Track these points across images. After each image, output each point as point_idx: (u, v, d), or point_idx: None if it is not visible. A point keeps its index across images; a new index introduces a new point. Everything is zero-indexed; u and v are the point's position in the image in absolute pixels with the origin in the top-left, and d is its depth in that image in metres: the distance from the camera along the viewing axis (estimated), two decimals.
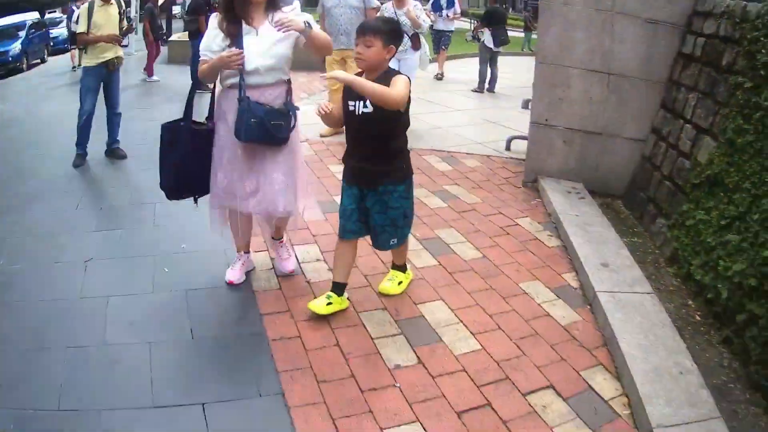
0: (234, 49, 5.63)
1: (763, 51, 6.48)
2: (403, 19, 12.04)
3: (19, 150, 12.54)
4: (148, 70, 21.18)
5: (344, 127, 5.82)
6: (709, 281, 6.00)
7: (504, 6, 42.27)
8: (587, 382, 5.06)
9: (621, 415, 4.72)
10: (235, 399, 4.78)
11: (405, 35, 11.41)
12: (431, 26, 17.69)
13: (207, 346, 5.52)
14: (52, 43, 41.33)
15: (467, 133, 12.98)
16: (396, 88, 5.32)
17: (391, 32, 5.48)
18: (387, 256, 6.66)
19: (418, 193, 8.40)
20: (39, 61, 37.17)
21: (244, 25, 5.83)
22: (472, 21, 35.42)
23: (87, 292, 6.42)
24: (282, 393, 4.82)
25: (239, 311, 6.14)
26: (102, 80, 11.24)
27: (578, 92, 9.34)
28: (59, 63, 32.15)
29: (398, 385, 4.94)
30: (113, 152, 11.47)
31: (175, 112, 14.15)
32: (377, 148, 5.66)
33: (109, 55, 11.08)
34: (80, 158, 10.96)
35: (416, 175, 7.96)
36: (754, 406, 4.79)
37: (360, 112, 5.50)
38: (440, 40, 22.40)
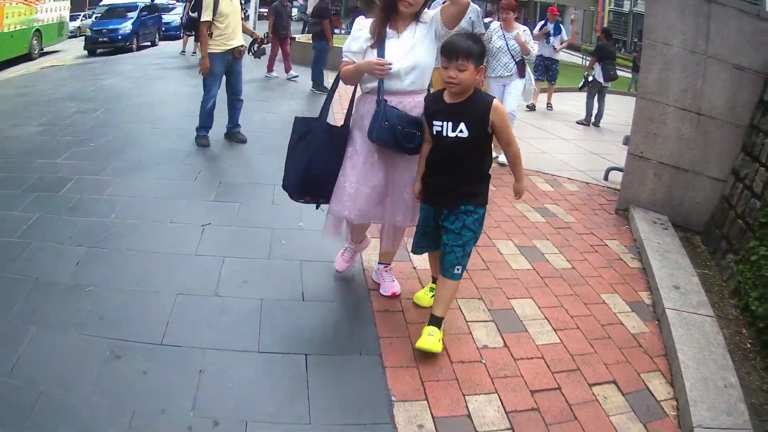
0: (384, 60, 5.69)
1: None
2: (512, 43, 11.95)
3: (133, 122, 13.94)
4: (269, 66, 21.89)
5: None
6: (763, 312, 6.64)
7: (616, 44, 41.90)
8: (645, 383, 5.81)
9: (669, 415, 5.42)
10: (337, 354, 5.65)
11: (512, 60, 12.01)
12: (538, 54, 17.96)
13: (315, 309, 6.35)
14: (163, 28, 42.52)
15: (570, 161, 13.62)
16: (508, 137, 5.53)
17: (481, 53, 5.38)
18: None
19: (520, 207, 9.74)
20: (149, 44, 38.39)
21: (389, 30, 5.90)
22: (584, 58, 35.11)
23: (202, 250, 7.41)
24: (380, 354, 5.71)
25: (348, 284, 6.88)
26: (226, 67, 12.00)
27: (671, 129, 9.92)
28: (170, 48, 33.43)
29: (484, 361, 5.79)
30: (233, 136, 12.48)
31: (294, 108, 15.16)
32: (466, 172, 5.59)
33: (234, 43, 11.94)
34: (205, 139, 12.04)
35: (526, 195, 9.32)
36: None
37: (450, 135, 5.41)
38: (546, 70, 21.29)
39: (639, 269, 8.25)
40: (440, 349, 5.68)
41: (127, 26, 36.02)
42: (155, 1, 48.42)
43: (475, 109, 5.37)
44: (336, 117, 6.14)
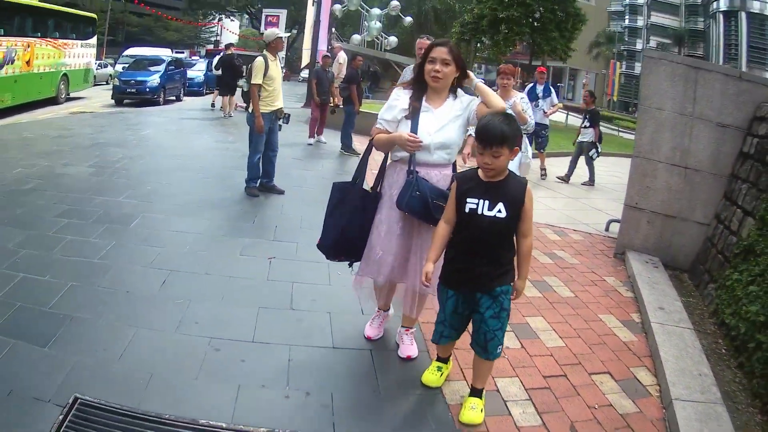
0: (417, 137, 5.85)
1: None
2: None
3: (181, 170, 15.53)
4: (311, 132, 22.28)
5: (444, 227, 5.66)
6: (734, 322, 8.06)
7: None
8: (633, 374, 7.27)
9: (652, 395, 6.86)
10: (394, 349, 7.02)
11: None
12: None
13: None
14: (187, 84, 42.79)
15: (576, 215, 15.03)
16: (529, 226, 5.50)
17: (515, 135, 5.32)
18: None
19: (535, 254, 10.95)
20: (174, 98, 38.85)
21: (424, 103, 6.13)
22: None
23: (273, 277, 8.81)
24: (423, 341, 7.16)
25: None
26: (270, 124, 13.37)
27: (662, 182, 11.40)
28: (195, 103, 34.76)
29: (506, 357, 7.25)
30: (270, 188, 13.78)
31: (326, 167, 16.64)
32: (499, 252, 5.55)
33: (279, 104, 13.38)
34: (254, 189, 13.43)
35: (536, 242, 10.85)
36: (751, 407, 6.73)
37: (486, 214, 5.35)
38: (535, 136, 18.82)
39: (631, 298, 9.68)
40: (482, 420, 5.83)
41: (155, 79, 36.38)
42: (178, 56, 49.71)
43: (513, 189, 5.39)
44: (367, 179, 7.02)
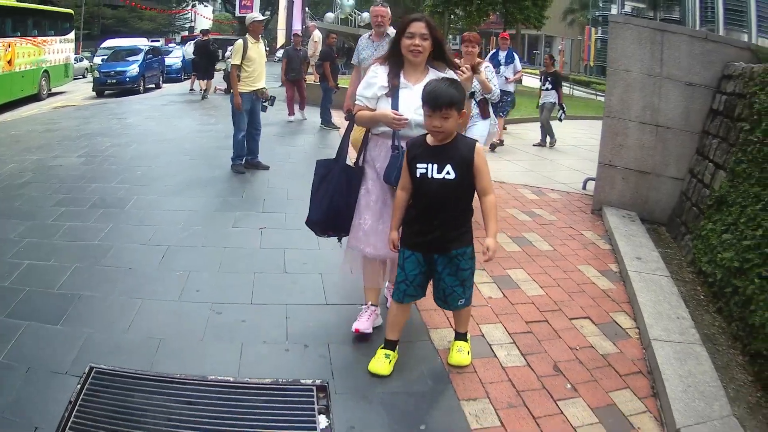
0: (403, 115, 5.86)
1: (757, 101, 8.86)
2: (473, 82, 10.09)
3: (168, 154, 15.99)
4: (289, 111, 22.82)
5: (398, 191, 5.78)
6: (710, 269, 8.33)
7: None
8: (613, 318, 7.55)
9: (631, 336, 7.14)
10: (384, 304, 7.22)
11: (473, 100, 10.59)
12: None
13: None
14: (165, 71, 43.48)
15: (553, 176, 15.36)
16: (487, 183, 5.55)
17: (462, 98, 5.46)
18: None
19: (511, 212, 11.35)
20: (154, 86, 39.49)
21: (402, 79, 6.13)
22: (572, 87, 34.98)
23: (265, 245, 9.20)
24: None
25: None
26: (252, 104, 13.80)
27: (634, 140, 11.71)
28: (175, 89, 35.21)
29: (489, 305, 7.55)
30: (255, 165, 14.16)
31: (309, 141, 17.16)
32: (453, 216, 5.62)
33: (259, 85, 13.82)
34: (240, 166, 13.80)
35: (511, 202, 11.51)
36: (732, 349, 6.97)
37: (436, 177, 5.44)
38: (497, 104, 16.68)
39: (609, 250, 9.94)
40: (469, 362, 6.12)
41: (134, 68, 37.13)
42: (155, 45, 49.99)
43: (460, 151, 5.47)
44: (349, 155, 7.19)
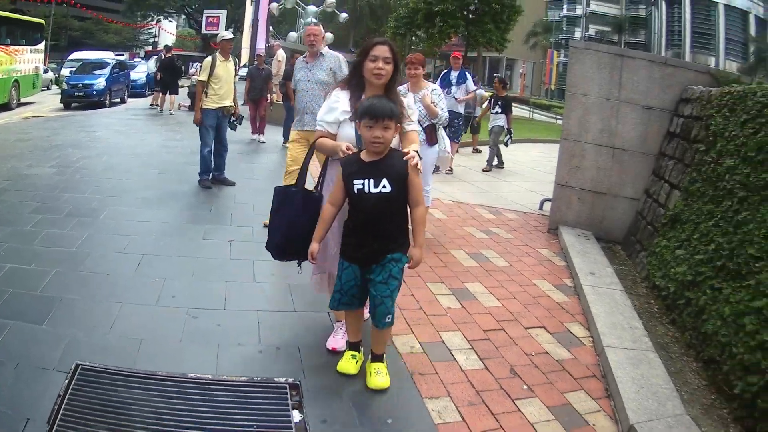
0: (353, 149, 5.81)
1: (713, 123, 9.22)
2: (419, 106, 9.70)
3: (139, 167, 16.10)
4: (252, 129, 22.99)
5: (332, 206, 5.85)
6: (664, 283, 8.62)
7: None
8: (567, 328, 7.81)
9: (585, 344, 7.41)
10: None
11: (419, 127, 9.50)
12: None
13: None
14: (130, 86, 43.32)
15: (510, 197, 15.65)
16: (418, 195, 5.72)
17: (400, 111, 5.72)
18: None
19: (468, 230, 11.60)
20: (119, 100, 39.25)
21: None
22: (531, 111, 34.93)
23: (235, 256, 9.45)
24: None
25: None
26: (218, 121, 13.99)
27: (590, 161, 12.03)
28: (140, 104, 35.23)
29: (448, 314, 7.77)
30: (222, 180, 14.28)
31: (272, 159, 17.46)
32: (390, 227, 5.74)
33: (226, 103, 13.98)
34: (207, 181, 13.89)
35: (469, 221, 11.85)
36: (686, 356, 7.27)
37: (372, 192, 5.53)
38: (450, 127, 16.28)
39: (564, 266, 10.24)
40: (388, 384, 6.04)
41: (101, 82, 37.17)
42: (121, 59, 50.06)
43: (395, 164, 5.56)
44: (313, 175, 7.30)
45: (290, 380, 5.95)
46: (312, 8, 51.68)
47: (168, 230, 10.49)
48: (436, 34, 54.75)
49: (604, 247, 11.33)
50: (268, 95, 22.85)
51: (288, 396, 5.68)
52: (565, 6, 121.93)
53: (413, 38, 62.46)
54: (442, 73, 19.10)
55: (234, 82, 14.57)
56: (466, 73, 18.84)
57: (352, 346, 6.33)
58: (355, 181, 5.54)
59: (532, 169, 20.56)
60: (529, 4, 79.57)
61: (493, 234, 11.75)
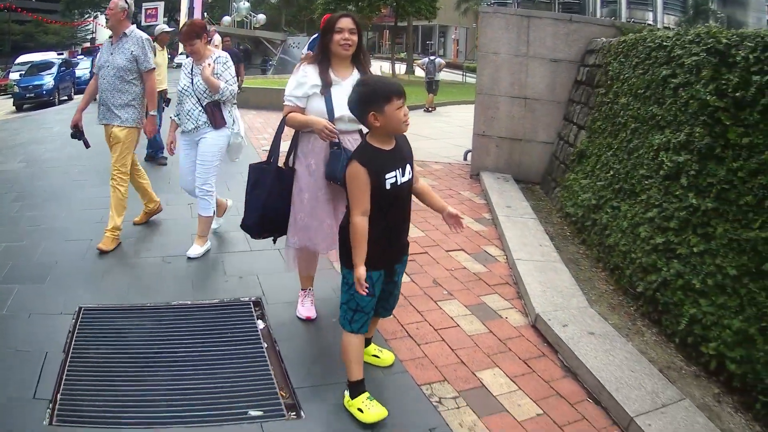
0: (335, 130, 5.82)
1: (611, 68, 10.21)
2: (198, 80, 8.54)
3: (99, 153, 16.25)
4: None
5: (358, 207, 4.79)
6: (573, 210, 9.65)
7: None
8: (484, 249, 8.85)
9: (499, 261, 8.44)
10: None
11: (198, 106, 8.57)
12: None
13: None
14: (76, 82, 43.53)
15: (437, 151, 16.68)
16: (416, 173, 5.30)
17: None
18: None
19: None
20: (67, 98, 39.59)
21: (332, 76, 6.11)
22: (465, 75, 34.83)
23: (195, 215, 9.67)
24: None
25: None
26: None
27: (504, 112, 13.06)
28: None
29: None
30: (156, 159, 15.11)
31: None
32: (409, 214, 5.32)
33: (162, 87, 14.98)
34: (163, 159, 14.77)
35: None
36: (594, 268, 8.26)
37: (404, 182, 4.95)
38: None
39: (484, 204, 11.19)
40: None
41: (50, 81, 38.06)
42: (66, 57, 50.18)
43: (404, 146, 5.10)
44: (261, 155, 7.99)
45: (253, 298, 7.04)
46: None
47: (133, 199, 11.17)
48: (366, 7, 54.68)
49: (523, 187, 12.28)
50: None
51: (252, 310, 6.76)
52: None
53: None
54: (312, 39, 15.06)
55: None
56: None
57: (361, 385, 5.26)
58: (387, 176, 4.83)
59: (461, 127, 21.06)
60: None
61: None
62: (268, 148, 6.66)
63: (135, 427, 4.79)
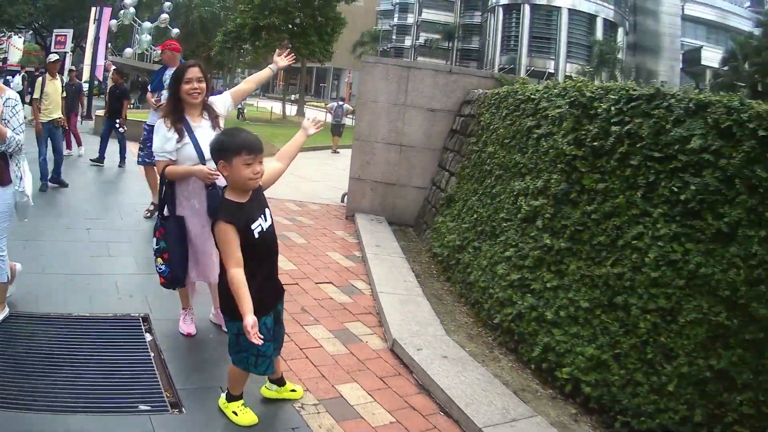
0: (214, 170, 5.88)
1: (482, 119, 10.78)
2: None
3: None
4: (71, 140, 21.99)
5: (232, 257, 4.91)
6: (440, 250, 10.15)
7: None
8: (351, 283, 9.23)
9: (365, 293, 8.83)
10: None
11: None
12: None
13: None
14: None
15: (318, 192, 17.07)
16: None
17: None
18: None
19: (276, 218, 12.33)
20: None
21: (190, 122, 6.45)
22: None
23: (93, 239, 10.47)
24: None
25: None
26: (50, 132, 15.00)
27: (381, 158, 13.54)
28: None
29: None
30: (59, 182, 15.02)
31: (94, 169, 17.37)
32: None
33: (55, 116, 15.07)
34: (45, 185, 14.46)
35: (279, 211, 12.79)
36: (457, 302, 8.81)
37: (268, 227, 5.22)
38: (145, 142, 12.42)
39: (356, 242, 11.60)
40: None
41: None
42: None
43: (260, 192, 5.30)
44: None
45: (142, 314, 7.49)
46: (147, 24, 52.07)
47: (36, 224, 10.87)
48: (262, 47, 56.09)
49: (396, 229, 12.76)
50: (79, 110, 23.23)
51: (141, 324, 7.21)
52: (396, 15, 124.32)
53: (240, 51, 64.58)
54: (156, 72, 13.28)
55: (62, 97, 15.81)
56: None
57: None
58: (253, 226, 5.06)
59: (342, 170, 20.73)
60: (360, 15, 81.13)
61: (297, 221, 12.91)
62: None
63: (44, 412, 5.29)
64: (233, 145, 4.94)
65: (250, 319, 4.72)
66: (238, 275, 4.84)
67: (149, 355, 6.51)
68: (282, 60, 7.45)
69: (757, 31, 74.70)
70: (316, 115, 6.72)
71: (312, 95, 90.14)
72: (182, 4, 74.54)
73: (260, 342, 4.74)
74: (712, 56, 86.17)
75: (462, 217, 10.09)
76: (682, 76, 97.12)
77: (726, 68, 70.48)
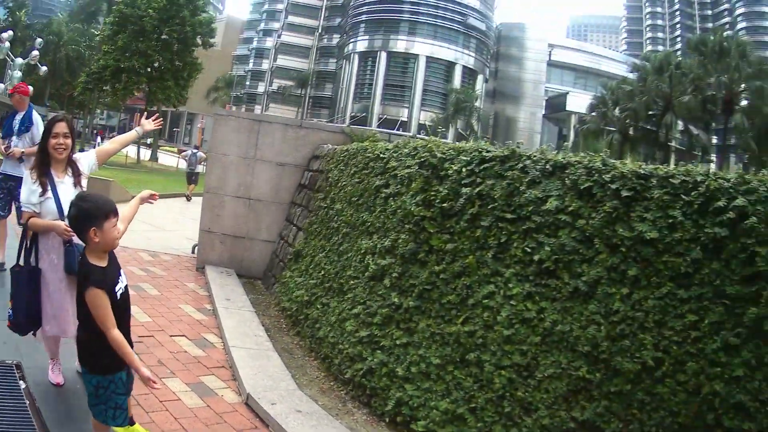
0: (69, 229, 5.86)
1: (330, 175, 11.16)
2: None
3: None
4: None
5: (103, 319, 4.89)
6: (289, 305, 10.44)
7: None
8: (203, 336, 9.44)
9: (217, 347, 9.07)
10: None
11: None
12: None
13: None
14: None
15: (169, 243, 17.04)
16: None
17: None
18: None
19: (130, 269, 12.56)
20: None
21: (55, 177, 6.54)
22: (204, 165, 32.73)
23: None
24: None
25: None
26: None
27: (230, 211, 13.80)
28: None
29: None
30: None
31: None
32: None
33: None
34: None
35: (133, 261, 12.94)
36: (307, 357, 9.10)
37: (124, 288, 5.25)
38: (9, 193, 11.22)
39: (206, 295, 11.79)
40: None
41: None
42: None
43: (113, 253, 5.30)
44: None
45: (15, 361, 7.33)
46: (20, 60, 51.16)
47: None
48: (122, 89, 56.81)
49: (245, 282, 13.00)
50: None
51: (15, 371, 7.07)
52: (251, 60, 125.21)
53: (101, 92, 63.76)
54: (5, 118, 12.37)
55: None
56: (34, 113, 11.42)
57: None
58: (116, 289, 5.10)
59: (194, 220, 20.93)
60: (218, 60, 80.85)
61: (150, 272, 12.89)
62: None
63: None
64: (102, 212, 5.00)
65: (146, 372, 4.86)
66: (118, 336, 4.91)
67: (25, 403, 6.48)
68: (149, 123, 7.65)
69: (632, 76, 76.74)
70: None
71: (166, 139, 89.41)
72: (51, 41, 73.42)
73: (160, 387, 5.06)
74: (579, 102, 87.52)
75: (310, 272, 10.42)
76: (544, 122, 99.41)
77: (594, 114, 71.59)
